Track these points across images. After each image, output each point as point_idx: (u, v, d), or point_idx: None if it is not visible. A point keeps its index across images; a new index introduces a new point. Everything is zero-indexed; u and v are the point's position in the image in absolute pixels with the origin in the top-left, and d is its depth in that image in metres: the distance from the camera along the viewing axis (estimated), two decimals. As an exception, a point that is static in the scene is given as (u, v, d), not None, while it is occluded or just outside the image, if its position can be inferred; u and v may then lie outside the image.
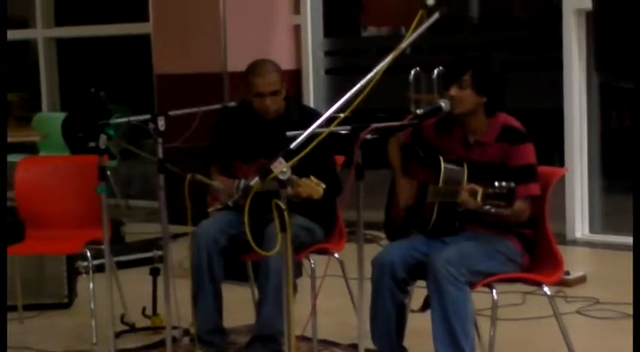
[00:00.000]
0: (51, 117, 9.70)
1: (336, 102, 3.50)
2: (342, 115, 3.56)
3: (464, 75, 4.16)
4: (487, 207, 3.84)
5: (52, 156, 8.54)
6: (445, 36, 8.19)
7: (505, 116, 4.26)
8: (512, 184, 3.79)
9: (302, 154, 3.33)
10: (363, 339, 3.93)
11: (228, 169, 4.93)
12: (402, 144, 4.50)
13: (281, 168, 3.26)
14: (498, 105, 4.25)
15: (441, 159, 4.19)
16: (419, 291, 4.34)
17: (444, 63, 4.37)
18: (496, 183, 3.80)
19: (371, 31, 9.55)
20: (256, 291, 4.86)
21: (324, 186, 3.60)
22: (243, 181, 4.73)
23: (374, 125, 3.85)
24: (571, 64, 7.43)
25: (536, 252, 4.31)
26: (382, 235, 4.67)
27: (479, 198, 3.85)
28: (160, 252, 5.28)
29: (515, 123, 4.24)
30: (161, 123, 4.56)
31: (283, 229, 3.33)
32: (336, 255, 4.82)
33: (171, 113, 4.66)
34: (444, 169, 4.17)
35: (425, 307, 4.22)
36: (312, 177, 3.62)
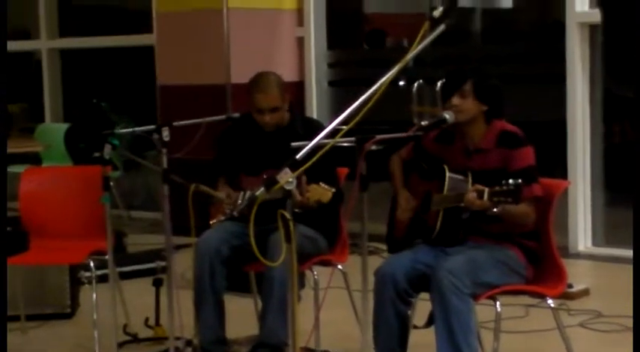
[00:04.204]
0: (54, 128, 9.71)
1: (339, 114, 3.50)
2: (345, 127, 3.56)
3: (464, 84, 4.20)
4: (494, 206, 3.86)
5: (55, 166, 8.55)
6: (448, 49, 8.20)
7: (502, 122, 4.30)
8: (519, 181, 3.82)
9: (308, 165, 3.33)
10: (365, 351, 3.92)
11: (234, 181, 4.93)
12: (403, 161, 4.53)
13: (287, 178, 3.26)
14: (497, 113, 4.30)
15: (446, 168, 4.21)
16: (424, 306, 4.33)
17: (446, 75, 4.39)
18: (502, 181, 3.84)
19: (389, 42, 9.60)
20: (259, 302, 4.86)
21: (333, 190, 3.60)
22: (248, 192, 4.73)
23: (378, 136, 3.85)
24: (574, 77, 7.43)
25: (539, 264, 4.31)
26: (385, 247, 4.67)
27: (485, 197, 3.88)
28: (162, 263, 5.28)
29: (512, 127, 4.29)
30: (165, 133, 4.57)
31: (288, 239, 3.32)
32: (340, 267, 4.82)
33: (175, 124, 4.67)
34: (448, 178, 4.18)
35: (430, 323, 4.21)
36: (321, 183, 3.62)
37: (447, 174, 4.20)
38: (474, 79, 4.23)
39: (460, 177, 4.20)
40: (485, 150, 4.25)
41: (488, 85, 4.26)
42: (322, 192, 3.64)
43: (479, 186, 3.95)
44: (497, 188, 3.87)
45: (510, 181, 3.84)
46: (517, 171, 4.13)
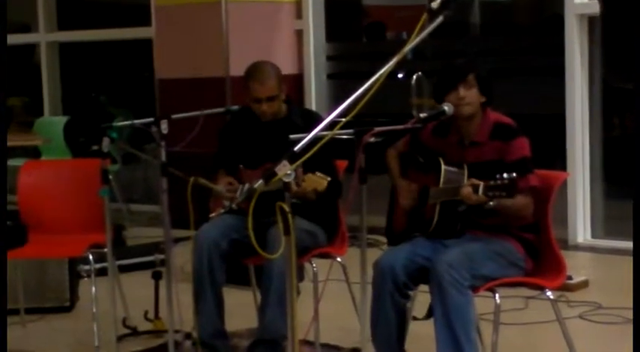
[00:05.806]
0: (53, 122, 9.70)
1: (338, 106, 3.49)
2: (343, 120, 3.55)
3: (468, 75, 4.20)
4: (489, 200, 3.87)
5: (54, 159, 8.54)
6: (447, 41, 8.19)
7: (495, 114, 4.32)
8: (514, 174, 3.82)
9: (306, 157, 3.32)
10: (365, 343, 3.93)
11: (234, 175, 4.92)
12: (400, 154, 4.53)
13: (285, 170, 3.26)
14: (489, 103, 4.31)
15: (441, 161, 4.22)
16: (424, 297, 4.33)
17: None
18: (497, 176, 3.84)
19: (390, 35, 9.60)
20: (258, 295, 4.86)
21: (328, 178, 3.59)
22: (247, 185, 4.72)
23: (377, 128, 3.85)
24: (573, 70, 7.43)
25: (539, 256, 4.31)
26: (384, 240, 4.67)
27: (480, 192, 3.88)
28: (161, 256, 5.28)
29: (505, 119, 4.30)
30: (164, 126, 4.56)
31: (287, 232, 3.32)
32: (339, 259, 4.82)
33: (174, 116, 4.65)
34: (444, 171, 4.19)
35: (430, 314, 4.21)
36: (317, 172, 3.62)
37: (443, 167, 4.21)
38: (476, 71, 4.24)
39: (455, 169, 4.21)
40: (479, 143, 4.26)
41: (486, 76, 4.28)
42: (317, 180, 3.62)
43: (474, 181, 3.95)
44: (491, 182, 3.87)
45: (505, 175, 3.83)
46: (512, 163, 4.13)
